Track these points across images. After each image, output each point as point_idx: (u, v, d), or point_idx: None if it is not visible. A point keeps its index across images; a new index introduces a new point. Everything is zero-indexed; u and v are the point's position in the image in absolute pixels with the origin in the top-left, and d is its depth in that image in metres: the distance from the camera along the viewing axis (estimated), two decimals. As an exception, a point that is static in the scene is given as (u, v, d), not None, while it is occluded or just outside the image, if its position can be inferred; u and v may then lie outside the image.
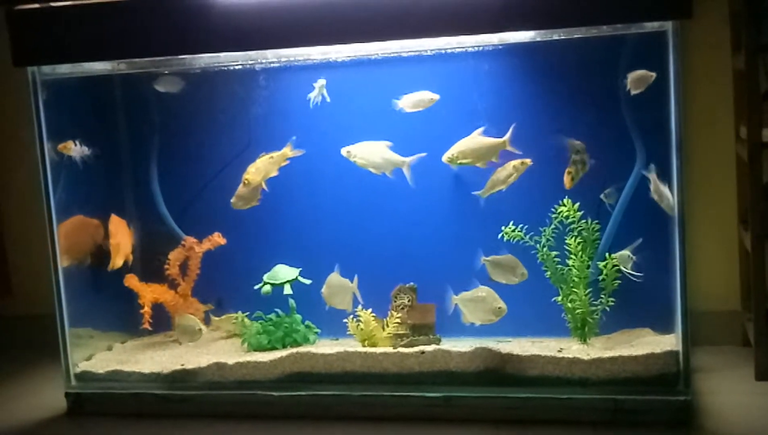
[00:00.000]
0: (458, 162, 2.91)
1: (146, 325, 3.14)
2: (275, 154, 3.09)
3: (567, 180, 2.79)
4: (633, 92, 2.70)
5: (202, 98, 3.18)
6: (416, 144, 3.05)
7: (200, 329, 3.11)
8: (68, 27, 2.83)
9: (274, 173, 3.10)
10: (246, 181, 3.06)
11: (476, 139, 2.92)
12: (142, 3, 2.77)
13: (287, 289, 3.15)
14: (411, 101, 2.95)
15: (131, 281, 3.20)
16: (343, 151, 3.00)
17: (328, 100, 3.03)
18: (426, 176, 3.06)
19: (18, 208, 3.80)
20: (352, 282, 2.98)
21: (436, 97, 2.94)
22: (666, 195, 2.66)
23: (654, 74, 2.66)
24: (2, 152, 3.79)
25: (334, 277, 3.01)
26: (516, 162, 2.89)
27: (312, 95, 3.03)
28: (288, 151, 3.09)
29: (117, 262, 3.16)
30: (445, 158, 2.93)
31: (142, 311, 3.15)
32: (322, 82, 3.02)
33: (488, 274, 2.90)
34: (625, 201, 2.91)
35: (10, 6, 2.84)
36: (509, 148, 2.90)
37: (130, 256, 3.23)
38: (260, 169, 3.07)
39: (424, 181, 3.06)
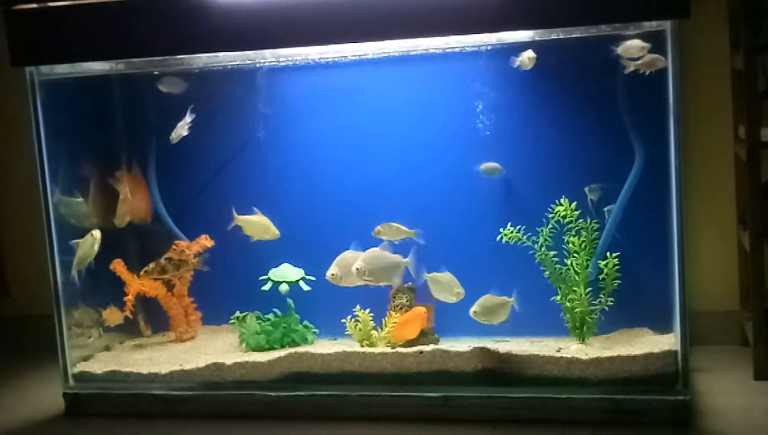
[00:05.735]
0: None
1: (128, 313, 3.13)
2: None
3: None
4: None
5: (201, 99, 3.17)
6: (415, 144, 3.07)
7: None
8: (66, 27, 2.82)
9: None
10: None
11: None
12: (140, 3, 2.76)
13: (304, 286, 3.14)
14: (528, 58, 2.81)
15: (117, 266, 3.17)
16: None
17: None
18: (424, 178, 3.07)
19: (16, 208, 3.80)
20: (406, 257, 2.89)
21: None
22: None
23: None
24: (0, 153, 3.79)
25: (379, 254, 2.86)
26: None
27: None
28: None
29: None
30: None
31: (125, 299, 3.14)
32: None
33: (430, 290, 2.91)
34: (624, 200, 2.90)
35: (7, 5, 2.83)
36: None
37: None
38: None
39: (421, 183, 3.06)
